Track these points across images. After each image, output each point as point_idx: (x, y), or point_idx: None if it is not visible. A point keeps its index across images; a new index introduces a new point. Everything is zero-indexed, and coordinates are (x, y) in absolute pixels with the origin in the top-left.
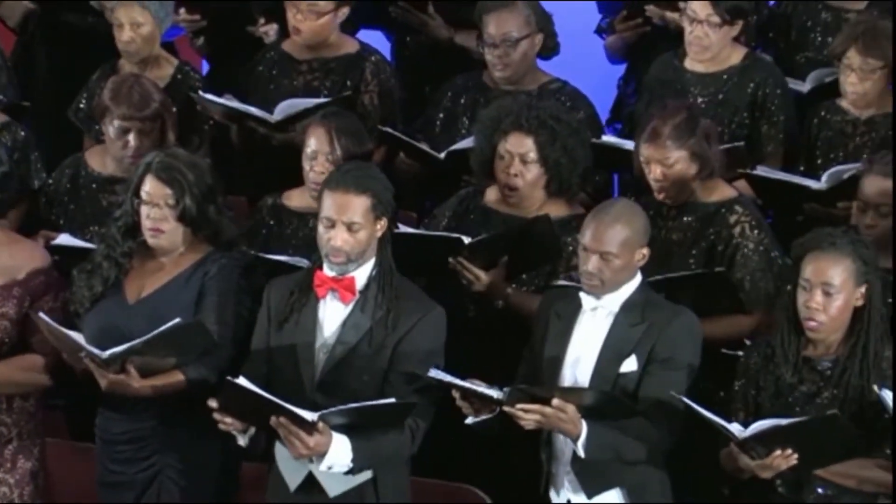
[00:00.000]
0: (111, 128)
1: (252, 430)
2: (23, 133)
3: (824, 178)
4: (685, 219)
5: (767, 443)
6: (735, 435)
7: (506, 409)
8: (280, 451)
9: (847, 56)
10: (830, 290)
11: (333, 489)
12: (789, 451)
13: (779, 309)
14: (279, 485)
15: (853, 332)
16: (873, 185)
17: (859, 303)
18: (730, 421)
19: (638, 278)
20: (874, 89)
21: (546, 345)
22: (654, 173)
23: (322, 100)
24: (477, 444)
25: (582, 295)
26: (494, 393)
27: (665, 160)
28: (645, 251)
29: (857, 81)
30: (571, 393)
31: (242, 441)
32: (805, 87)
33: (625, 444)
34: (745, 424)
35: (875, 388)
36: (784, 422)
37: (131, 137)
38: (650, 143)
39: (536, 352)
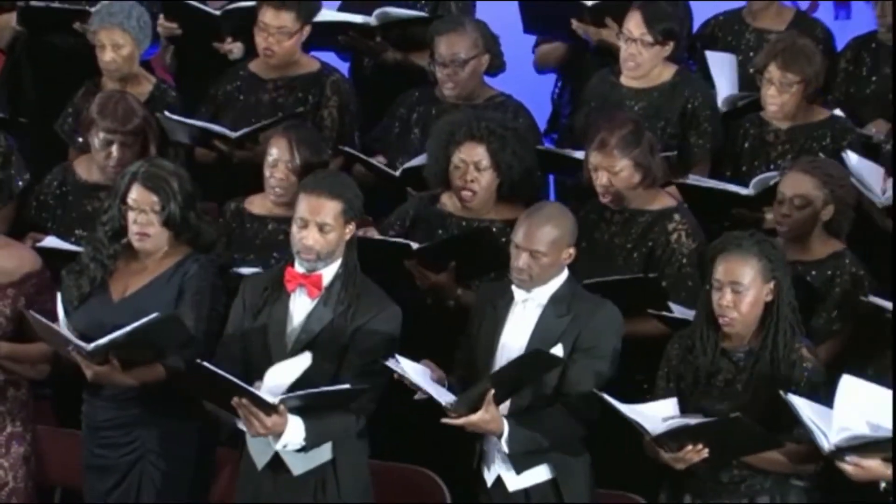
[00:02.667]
0: (96, 139)
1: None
2: (5, 140)
3: (752, 185)
4: (628, 224)
5: (678, 439)
6: (648, 432)
7: (447, 415)
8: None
9: (768, 70)
10: (740, 289)
11: (297, 468)
12: (700, 446)
13: (697, 306)
14: (249, 465)
15: (764, 324)
16: (792, 180)
17: (769, 298)
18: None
19: (565, 273)
20: (792, 102)
21: (481, 333)
22: (601, 179)
23: (276, 118)
24: (422, 428)
25: (514, 288)
26: (443, 400)
27: (612, 167)
28: (572, 251)
29: (776, 94)
30: (502, 372)
31: (242, 425)
32: (721, 108)
33: (544, 437)
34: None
35: (781, 393)
36: (693, 422)
37: (114, 149)
38: (598, 152)
39: (472, 339)
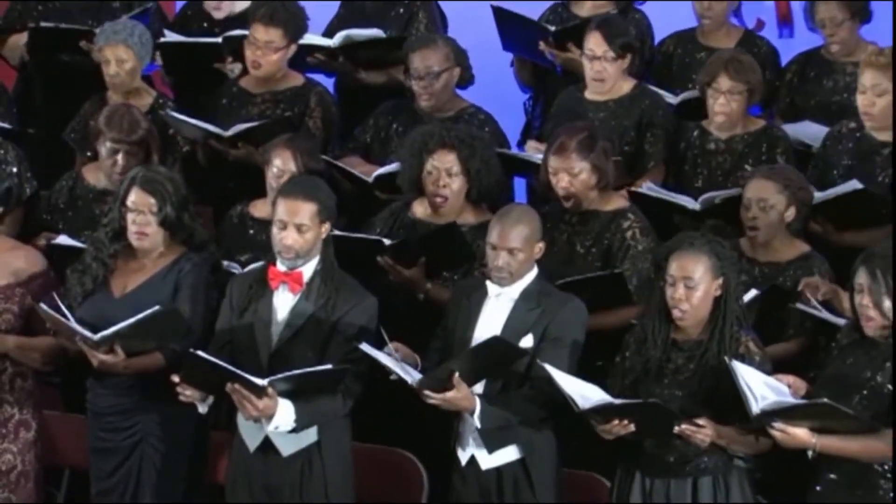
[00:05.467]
0: (103, 148)
1: (210, 399)
2: (13, 150)
3: (699, 200)
4: (586, 224)
5: (603, 415)
6: (577, 406)
7: (415, 390)
8: (241, 418)
9: (717, 81)
10: (691, 284)
11: (286, 449)
12: (626, 421)
13: (650, 300)
14: (241, 447)
15: (713, 318)
16: (755, 185)
17: (717, 293)
18: (614, 387)
19: (535, 270)
20: (738, 109)
21: (457, 325)
22: (561, 182)
23: (266, 120)
24: (402, 412)
25: (488, 284)
26: (409, 378)
27: (571, 170)
28: (541, 244)
29: (725, 103)
30: (465, 356)
31: (202, 409)
32: (674, 100)
33: (512, 415)
34: (620, 395)
35: (726, 359)
36: (617, 401)
37: (120, 157)
38: (558, 156)
39: (449, 331)
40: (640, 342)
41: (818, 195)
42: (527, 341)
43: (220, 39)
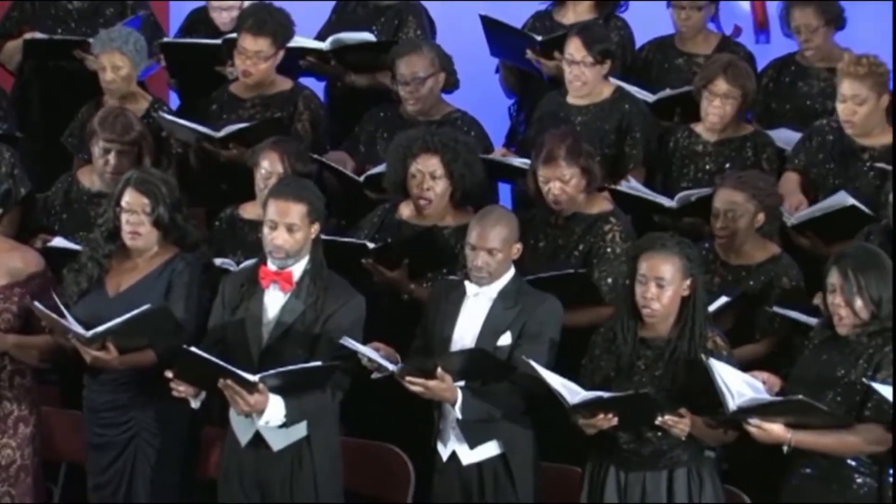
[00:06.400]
0: (97, 148)
1: (202, 395)
2: (8, 152)
3: (676, 198)
4: (569, 227)
5: (591, 409)
6: (567, 401)
7: (398, 379)
8: (233, 413)
9: (714, 83)
10: (662, 283)
11: (276, 444)
12: (610, 415)
13: (619, 299)
14: (233, 442)
15: (682, 317)
16: (723, 195)
17: (686, 293)
18: (584, 386)
19: (512, 270)
20: (731, 113)
21: (437, 324)
22: (554, 190)
23: (256, 121)
24: (391, 406)
25: (467, 284)
26: (390, 366)
27: (563, 177)
28: (519, 245)
29: (720, 105)
30: (450, 357)
31: (195, 404)
32: (651, 98)
33: (493, 408)
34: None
35: (703, 357)
36: (606, 395)
37: (111, 157)
38: (548, 165)
39: (429, 330)
40: (610, 341)
41: (805, 212)
42: (505, 339)
43: (220, 41)
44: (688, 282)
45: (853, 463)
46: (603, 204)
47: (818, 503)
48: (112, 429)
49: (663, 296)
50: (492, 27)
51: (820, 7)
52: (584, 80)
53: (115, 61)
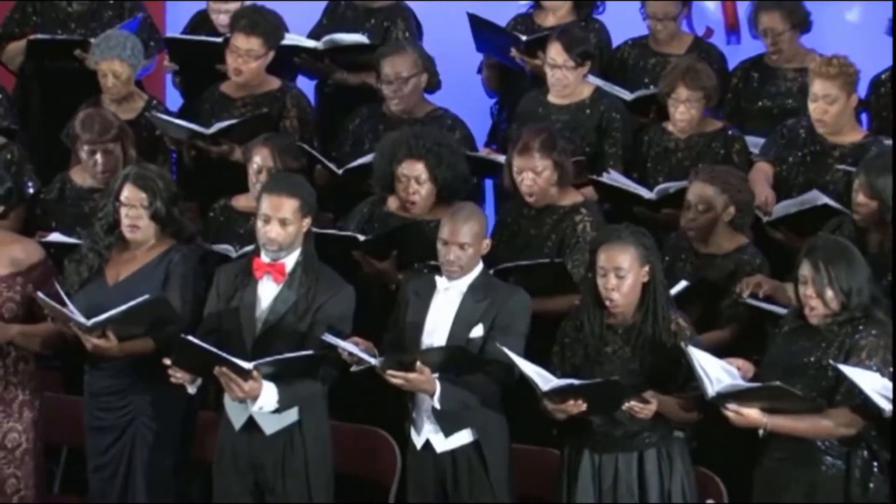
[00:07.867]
0: (83, 151)
1: (199, 381)
2: (16, 151)
3: (655, 190)
4: (543, 218)
5: (562, 395)
6: (539, 387)
7: (379, 372)
8: (228, 399)
9: (676, 92)
10: (622, 273)
11: (269, 428)
12: (580, 401)
13: (584, 290)
14: (227, 426)
15: (644, 302)
16: (696, 188)
17: (645, 279)
18: (555, 373)
19: (481, 265)
20: (697, 115)
21: (407, 317)
22: (526, 181)
23: (246, 117)
24: (380, 393)
25: (437, 277)
26: (371, 360)
27: (535, 168)
28: (488, 241)
29: (685, 111)
30: (428, 353)
31: (191, 390)
32: (629, 97)
33: (470, 397)
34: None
35: (682, 345)
36: (577, 382)
37: (98, 157)
38: (522, 155)
39: (400, 323)
40: (578, 329)
41: (779, 207)
42: (477, 331)
43: (220, 39)
44: (646, 268)
45: (822, 445)
46: (575, 196)
47: (788, 483)
48: (111, 413)
49: (623, 285)
50: (479, 25)
51: (786, 11)
52: (565, 82)
53: (115, 68)
